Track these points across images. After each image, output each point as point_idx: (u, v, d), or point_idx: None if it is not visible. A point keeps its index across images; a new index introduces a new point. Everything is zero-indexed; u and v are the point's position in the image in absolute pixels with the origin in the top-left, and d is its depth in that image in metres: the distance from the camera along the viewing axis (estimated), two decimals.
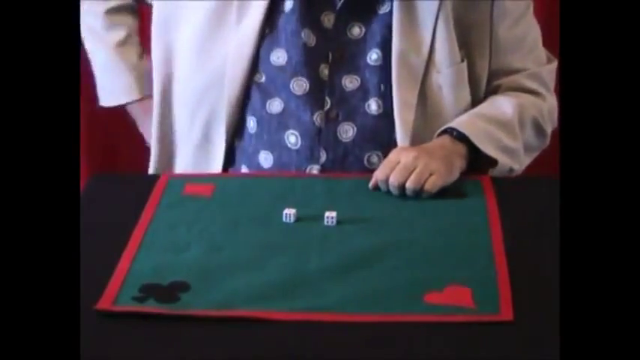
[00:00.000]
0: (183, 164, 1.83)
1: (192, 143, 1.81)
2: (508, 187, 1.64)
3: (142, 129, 1.99)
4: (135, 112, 1.98)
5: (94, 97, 2.39)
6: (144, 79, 1.92)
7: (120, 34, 1.93)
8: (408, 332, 1.26)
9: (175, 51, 1.79)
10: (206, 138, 1.79)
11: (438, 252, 1.43)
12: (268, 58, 1.74)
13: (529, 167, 2.21)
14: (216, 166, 1.78)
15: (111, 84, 1.96)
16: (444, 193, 1.60)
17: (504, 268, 1.38)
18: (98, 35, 1.94)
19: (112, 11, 1.93)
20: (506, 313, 1.28)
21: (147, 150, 2.47)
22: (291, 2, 1.74)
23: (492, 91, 1.80)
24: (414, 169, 1.59)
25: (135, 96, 1.94)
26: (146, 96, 1.92)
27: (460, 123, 1.70)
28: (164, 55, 1.80)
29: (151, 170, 1.86)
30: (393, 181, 1.58)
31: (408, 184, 1.58)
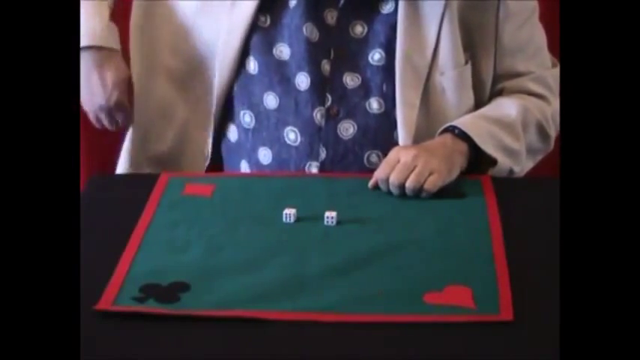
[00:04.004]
0: (159, 151, 1.83)
1: (174, 129, 1.81)
2: (508, 187, 1.64)
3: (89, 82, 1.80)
4: (93, 60, 1.78)
5: None
6: (109, 33, 1.79)
7: None
8: (408, 332, 1.26)
9: (160, 30, 1.79)
10: (188, 124, 1.80)
11: (438, 252, 1.43)
12: (267, 50, 1.74)
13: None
14: (199, 155, 1.79)
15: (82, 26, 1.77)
16: (444, 193, 1.60)
17: (504, 268, 1.38)
18: None
19: None
20: (506, 313, 1.28)
21: None
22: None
23: (496, 93, 1.80)
24: (414, 168, 1.59)
25: (96, 41, 1.77)
26: (106, 48, 1.77)
27: (462, 122, 1.70)
28: (147, 37, 1.80)
29: (123, 156, 1.86)
30: (394, 180, 1.58)
31: (408, 184, 1.58)
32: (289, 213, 1.51)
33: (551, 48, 1.88)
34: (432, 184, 1.59)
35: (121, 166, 1.86)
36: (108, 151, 2.48)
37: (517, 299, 1.31)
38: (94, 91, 1.78)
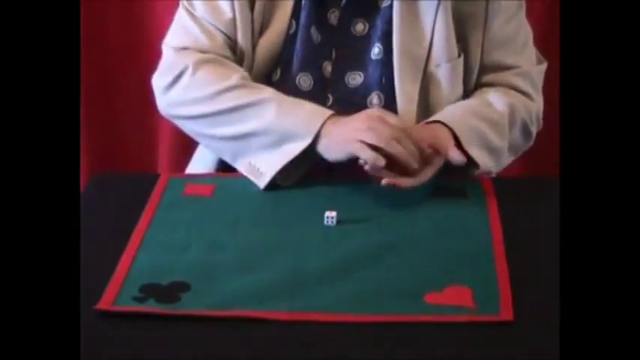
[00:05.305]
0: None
1: None
2: (508, 187, 1.64)
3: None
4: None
5: (93, 97, 2.40)
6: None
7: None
8: (408, 332, 1.26)
9: None
10: None
11: (438, 252, 1.43)
12: (288, 56, 1.73)
13: (529, 167, 2.21)
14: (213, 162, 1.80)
15: (297, 118, 1.63)
16: (444, 193, 1.60)
17: (504, 268, 1.38)
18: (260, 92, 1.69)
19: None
20: (506, 313, 1.28)
21: (147, 150, 2.48)
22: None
23: (482, 85, 1.79)
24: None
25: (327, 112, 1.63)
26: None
27: (454, 122, 1.67)
28: None
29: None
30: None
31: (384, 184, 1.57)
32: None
33: (550, 46, 1.88)
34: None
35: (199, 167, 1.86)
36: (108, 151, 2.49)
37: (517, 299, 1.31)
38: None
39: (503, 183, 1.66)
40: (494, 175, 1.72)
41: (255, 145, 1.64)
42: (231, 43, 1.74)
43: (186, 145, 1.96)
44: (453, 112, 1.70)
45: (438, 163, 1.60)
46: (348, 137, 1.58)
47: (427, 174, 1.59)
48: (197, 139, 1.77)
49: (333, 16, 1.75)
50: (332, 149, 1.60)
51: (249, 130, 1.64)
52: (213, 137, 1.70)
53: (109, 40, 2.38)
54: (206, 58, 1.71)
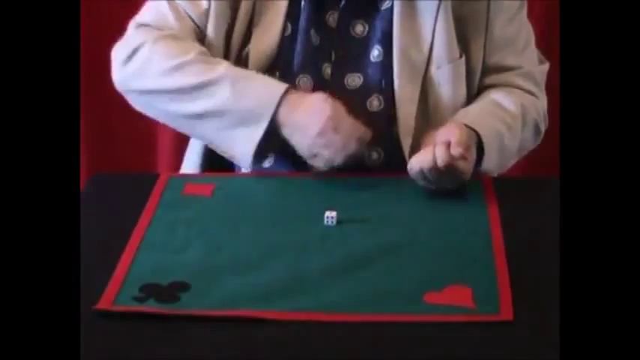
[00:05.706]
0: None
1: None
2: (508, 187, 1.64)
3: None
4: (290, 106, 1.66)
5: (93, 97, 2.40)
6: None
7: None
8: (408, 332, 1.26)
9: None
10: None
11: (438, 252, 1.43)
12: (287, 58, 1.73)
13: (529, 167, 2.21)
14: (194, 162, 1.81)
15: (255, 91, 1.67)
16: (444, 193, 1.60)
17: (504, 268, 1.38)
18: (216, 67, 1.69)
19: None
20: (506, 313, 1.29)
21: (147, 150, 2.48)
22: (304, 2, 1.73)
23: (485, 87, 1.79)
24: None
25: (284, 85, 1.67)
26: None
27: (478, 124, 1.67)
28: None
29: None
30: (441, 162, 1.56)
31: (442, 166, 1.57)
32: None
33: (550, 46, 1.88)
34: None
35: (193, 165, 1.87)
36: (108, 151, 2.49)
37: (517, 299, 1.31)
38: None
39: (503, 183, 1.66)
40: (494, 175, 1.73)
41: (216, 126, 1.66)
42: (200, 35, 1.73)
43: (186, 145, 1.96)
44: (479, 118, 1.68)
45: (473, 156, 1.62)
46: (312, 153, 1.63)
47: (474, 153, 1.61)
48: (159, 118, 1.76)
49: (332, 18, 1.74)
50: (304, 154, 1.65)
51: (206, 109, 1.66)
52: (170, 114, 1.71)
53: (109, 40, 2.37)
54: (166, 33, 1.71)
